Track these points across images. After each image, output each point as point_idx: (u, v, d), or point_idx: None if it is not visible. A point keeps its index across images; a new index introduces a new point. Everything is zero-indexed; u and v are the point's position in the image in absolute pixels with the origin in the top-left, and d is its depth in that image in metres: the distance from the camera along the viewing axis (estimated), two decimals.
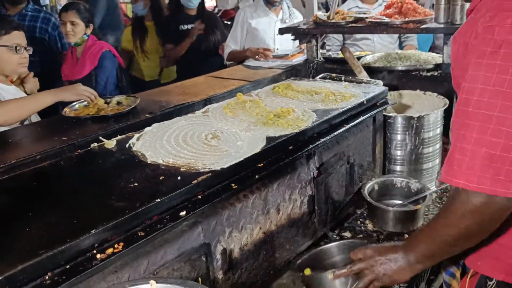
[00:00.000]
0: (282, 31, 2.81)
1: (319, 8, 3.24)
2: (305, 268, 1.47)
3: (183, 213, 1.16)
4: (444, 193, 2.16)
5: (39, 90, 2.58)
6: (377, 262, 1.23)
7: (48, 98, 2.17)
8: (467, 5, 2.19)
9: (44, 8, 5.37)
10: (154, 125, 1.67)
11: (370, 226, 1.91)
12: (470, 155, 0.95)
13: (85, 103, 2.24)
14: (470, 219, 1.01)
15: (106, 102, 2.28)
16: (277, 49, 3.43)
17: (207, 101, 2.28)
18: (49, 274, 0.92)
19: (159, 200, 1.12)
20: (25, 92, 2.50)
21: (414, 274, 1.20)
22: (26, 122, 2.32)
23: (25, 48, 2.36)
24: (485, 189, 0.94)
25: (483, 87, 0.95)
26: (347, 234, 1.87)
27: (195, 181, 1.21)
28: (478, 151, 0.94)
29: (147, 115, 2.08)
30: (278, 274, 1.63)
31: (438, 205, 2.06)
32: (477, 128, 0.95)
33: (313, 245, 1.75)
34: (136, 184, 1.22)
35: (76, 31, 2.96)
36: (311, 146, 1.56)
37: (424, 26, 2.31)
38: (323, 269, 1.45)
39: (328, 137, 1.62)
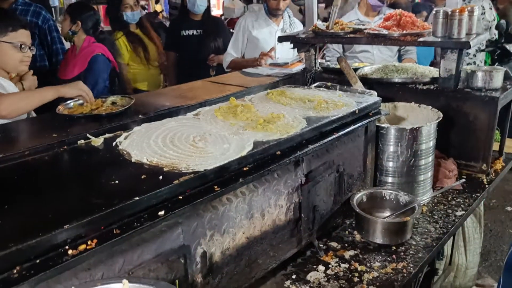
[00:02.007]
0: (281, 39, 2.82)
1: (318, 18, 3.24)
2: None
3: (161, 212, 1.14)
4: (435, 207, 2.14)
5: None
6: None
7: (50, 93, 2.18)
8: (465, 20, 2.19)
9: (53, 9, 5.39)
10: (143, 125, 1.66)
11: (358, 237, 1.89)
12: None
13: (80, 101, 2.24)
14: None
15: (101, 102, 2.27)
16: (277, 58, 3.44)
17: (202, 105, 2.27)
18: (17, 268, 0.91)
19: (137, 198, 1.11)
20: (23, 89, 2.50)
21: None
22: (24, 117, 2.33)
23: (29, 48, 2.38)
24: None
25: None
26: (334, 244, 1.85)
27: (176, 181, 1.20)
28: None
29: (140, 116, 2.07)
30: (260, 281, 1.60)
31: (428, 219, 2.03)
32: None
33: (298, 253, 1.74)
34: (117, 181, 1.21)
35: (63, 24, 3.00)
36: (299, 152, 1.54)
37: (421, 39, 2.30)
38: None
39: (317, 145, 1.61)
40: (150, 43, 4.05)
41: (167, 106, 2.21)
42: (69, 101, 2.23)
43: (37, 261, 0.94)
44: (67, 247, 0.98)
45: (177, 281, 1.25)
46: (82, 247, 1.00)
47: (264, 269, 1.58)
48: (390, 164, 2.08)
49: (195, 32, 4.03)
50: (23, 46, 2.32)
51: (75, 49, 3.13)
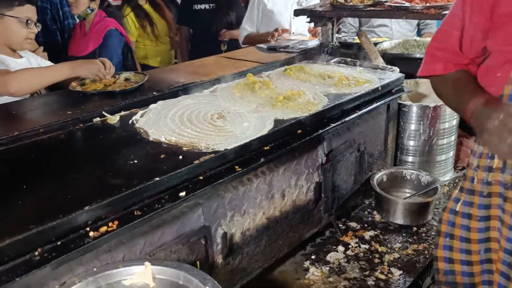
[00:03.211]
0: (297, 13, 2.71)
1: None
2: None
3: (182, 193, 1.11)
4: (456, 187, 2.08)
5: None
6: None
7: (65, 72, 2.09)
8: None
9: None
10: (159, 102, 1.62)
11: (377, 217, 1.85)
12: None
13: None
14: None
15: (114, 78, 2.23)
16: (293, 32, 3.33)
17: (217, 82, 2.22)
18: (39, 250, 0.89)
19: (158, 179, 1.08)
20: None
21: None
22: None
23: (35, 24, 2.31)
24: None
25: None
26: (354, 224, 1.81)
27: (196, 161, 1.16)
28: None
29: (154, 93, 2.02)
30: (280, 261, 1.58)
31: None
32: None
33: (317, 233, 1.71)
34: (135, 161, 1.17)
35: (78, 3, 2.90)
36: (320, 131, 1.49)
37: (446, 12, 2.19)
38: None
39: (339, 123, 1.55)
40: (160, 18, 3.95)
41: (181, 83, 2.16)
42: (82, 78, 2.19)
43: (58, 243, 0.92)
44: (88, 229, 0.96)
45: (198, 262, 1.22)
46: (103, 229, 0.97)
47: (284, 249, 1.55)
48: (411, 143, 2.02)
49: (207, 6, 3.92)
50: (29, 21, 2.25)
51: (84, 25, 3.05)
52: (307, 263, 1.61)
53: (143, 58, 3.94)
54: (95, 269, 1.00)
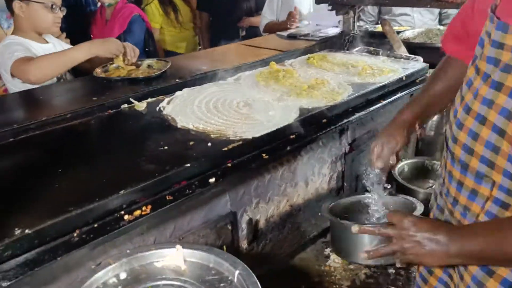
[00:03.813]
0: (319, 1, 2.70)
1: None
2: (336, 214, 1.39)
3: (212, 180, 1.13)
4: None
5: None
6: (410, 237, 1.00)
7: (83, 52, 2.07)
8: None
9: None
10: (185, 90, 1.64)
11: None
12: None
13: (116, 65, 2.22)
14: None
15: (136, 65, 2.25)
16: (309, 23, 3.31)
17: (238, 69, 2.23)
18: (77, 231, 0.92)
19: (188, 165, 1.10)
20: None
21: (446, 264, 1.01)
22: (54, 80, 2.32)
23: (60, 8, 2.33)
24: None
25: None
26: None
27: (225, 149, 1.18)
28: None
29: (177, 80, 2.04)
30: (302, 247, 1.61)
31: None
32: None
33: None
34: (165, 147, 1.20)
35: None
36: (345, 120, 1.50)
37: None
38: (357, 218, 1.37)
39: (363, 113, 1.55)
40: (184, 4, 3.95)
41: (203, 70, 2.18)
42: (105, 64, 2.21)
43: (95, 225, 0.95)
44: (122, 212, 0.99)
45: (224, 246, 1.25)
46: (137, 212, 1.00)
47: (306, 236, 1.58)
48: (433, 133, 2.01)
49: None
50: (54, 6, 2.28)
51: (104, 11, 3.07)
52: (327, 250, 1.63)
53: (168, 44, 3.96)
54: (128, 251, 1.03)
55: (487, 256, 0.93)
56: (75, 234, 0.91)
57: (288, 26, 3.07)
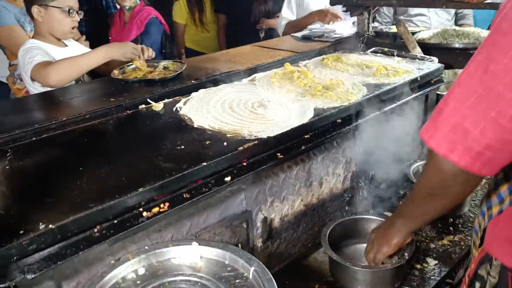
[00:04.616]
0: (334, 2, 2.70)
1: None
2: (335, 237, 1.48)
3: (228, 178, 1.15)
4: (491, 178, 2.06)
5: None
6: (374, 237, 1.33)
7: (100, 56, 2.16)
8: None
9: None
10: (201, 90, 1.66)
11: None
12: (444, 115, 0.94)
13: (133, 65, 2.26)
14: (431, 174, 1.03)
15: (153, 67, 2.29)
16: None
17: (253, 70, 2.25)
18: (98, 227, 0.95)
19: (205, 163, 1.12)
20: None
21: (403, 236, 1.28)
22: (72, 82, 2.38)
23: (77, 12, 2.39)
24: (440, 150, 0.93)
25: (480, 59, 0.92)
26: (389, 213, 1.82)
27: (241, 148, 1.20)
28: (451, 116, 0.93)
29: (193, 81, 2.07)
30: (315, 247, 1.62)
31: (485, 190, 1.96)
32: (460, 96, 0.93)
33: None
34: (182, 146, 1.22)
35: None
36: (359, 121, 1.51)
37: (489, 0, 2.15)
38: (354, 237, 1.52)
39: (377, 113, 1.56)
40: (211, 6, 4.03)
41: (219, 71, 2.20)
42: (122, 65, 2.26)
43: (115, 221, 0.98)
44: (141, 209, 1.01)
45: (239, 244, 1.27)
46: (156, 209, 1.03)
47: (320, 236, 1.58)
48: None
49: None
50: (71, 10, 2.33)
51: (123, 14, 3.14)
52: None
53: (190, 42, 4.05)
54: (146, 247, 1.06)
55: (414, 211, 1.18)
56: (96, 230, 0.94)
57: (327, 21, 3.04)
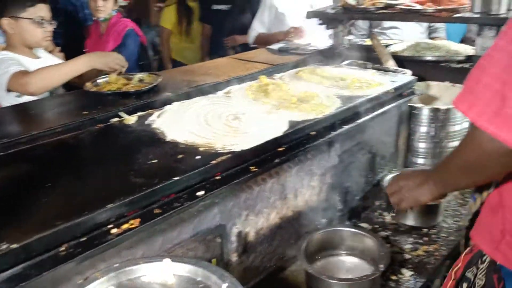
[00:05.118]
0: (309, 15, 2.74)
1: None
2: (312, 252, 1.47)
3: (200, 193, 1.14)
4: (466, 189, 2.10)
5: None
6: (403, 186, 1.31)
7: (81, 65, 2.13)
8: None
9: None
10: (175, 103, 1.65)
11: (388, 219, 1.87)
12: (483, 85, 0.90)
13: (107, 78, 2.24)
14: (469, 150, 0.99)
15: (128, 79, 2.27)
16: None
17: (229, 83, 2.25)
18: (65, 245, 0.92)
19: (177, 178, 1.11)
20: None
21: (433, 197, 1.25)
22: (47, 94, 2.34)
23: (49, 22, 2.35)
24: (478, 122, 0.89)
25: None
26: (364, 224, 1.83)
27: (214, 161, 1.19)
28: (492, 84, 0.88)
29: (168, 94, 2.06)
30: (292, 260, 1.61)
31: (460, 201, 2.00)
32: (499, 64, 0.89)
33: None
34: (154, 160, 1.21)
35: (107, 6, 2.95)
36: (333, 133, 1.52)
37: (458, 15, 2.21)
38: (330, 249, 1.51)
39: (351, 125, 1.58)
40: (198, 17, 4.06)
41: (194, 84, 2.19)
42: (96, 78, 2.23)
43: (83, 239, 0.95)
44: (111, 226, 0.99)
45: (214, 260, 1.26)
46: (125, 226, 1.00)
47: (296, 249, 1.58)
48: (422, 145, 2.04)
49: (224, 7, 3.96)
50: (42, 21, 2.30)
51: (99, 26, 3.10)
52: None
53: (175, 53, 4.06)
54: (116, 265, 1.03)
55: (448, 178, 1.16)
56: (62, 249, 0.92)
57: (288, 39, 3.08)
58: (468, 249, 1.21)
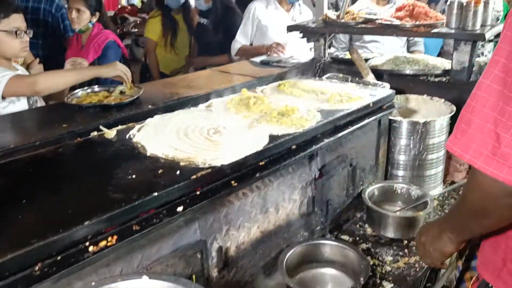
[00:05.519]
0: (290, 29, 2.77)
1: (329, 8, 3.20)
2: (293, 265, 1.47)
3: (180, 208, 1.13)
4: (446, 201, 2.13)
5: None
6: (425, 242, 1.25)
7: (88, 72, 2.19)
8: (480, 11, 2.16)
9: None
10: (156, 117, 1.64)
11: (369, 231, 1.89)
12: (475, 126, 0.89)
13: (89, 90, 2.22)
14: (473, 193, 0.97)
15: (108, 91, 2.25)
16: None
17: (211, 95, 2.25)
18: (39, 264, 0.90)
19: (156, 194, 1.10)
20: None
21: (455, 244, 1.17)
22: (26, 106, 2.31)
23: (25, 32, 2.32)
24: (476, 164, 0.87)
25: (505, 61, 0.87)
26: (346, 237, 1.84)
27: (194, 177, 1.19)
28: (484, 124, 0.87)
29: (150, 106, 2.04)
30: (273, 274, 1.60)
31: (440, 213, 2.03)
32: (488, 103, 0.88)
33: None
34: (134, 176, 1.19)
35: (81, 18, 2.93)
36: (314, 146, 1.53)
37: (435, 30, 2.27)
38: (312, 262, 1.51)
39: (332, 139, 1.59)
40: (185, 32, 4.06)
41: (176, 96, 2.19)
42: (77, 90, 2.21)
43: (58, 257, 0.93)
44: (87, 243, 0.97)
45: (194, 276, 1.24)
46: (103, 243, 0.99)
47: (278, 262, 1.57)
48: (402, 157, 2.06)
49: (205, 22, 3.99)
50: (18, 32, 2.27)
51: (80, 37, 3.08)
52: None
53: (161, 65, 4.06)
54: (93, 283, 1.01)
55: (460, 227, 1.11)
56: (37, 268, 0.90)
57: (269, 53, 3.12)
58: (474, 277, 1.21)
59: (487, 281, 1.13)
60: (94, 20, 2.99)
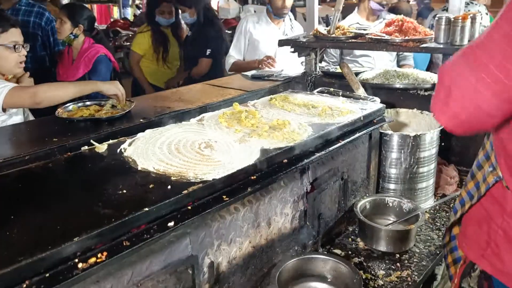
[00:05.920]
0: (281, 43, 2.80)
1: (319, 23, 3.24)
2: (285, 280, 1.46)
3: (171, 223, 1.12)
4: (437, 214, 2.14)
5: None
6: None
7: (89, 86, 2.18)
8: (467, 27, 2.20)
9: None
10: (147, 131, 1.64)
11: (361, 244, 1.88)
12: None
13: (80, 104, 2.22)
14: None
15: (100, 105, 2.25)
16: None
17: (203, 109, 2.26)
18: (27, 282, 0.88)
19: (147, 209, 1.09)
20: None
21: None
22: (20, 119, 2.29)
23: (23, 46, 2.33)
24: None
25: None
26: (338, 251, 1.84)
27: (185, 191, 1.18)
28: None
29: (141, 120, 2.05)
30: None
31: (431, 226, 2.04)
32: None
33: None
34: (124, 191, 1.18)
35: (62, 29, 2.95)
36: (305, 160, 1.53)
37: (424, 45, 2.30)
38: (304, 277, 1.49)
39: (323, 152, 1.59)
40: (175, 46, 4.09)
41: (168, 110, 2.19)
42: (68, 104, 2.20)
43: (47, 275, 0.91)
44: (76, 260, 0.96)
45: None
46: (92, 260, 0.98)
47: (270, 277, 1.56)
48: (393, 171, 2.08)
49: (189, 34, 4.06)
50: (16, 46, 2.27)
51: (71, 51, 3.08)
52: None
53: (150, 78, 4.07)
54: None
55: None
56: (24, 285, 0.88)
57: (260, 66, 3.16)
58: (461, 261, 1.27)
59: (473, 261, 1.19)
60: (78, 32, 2.99)
